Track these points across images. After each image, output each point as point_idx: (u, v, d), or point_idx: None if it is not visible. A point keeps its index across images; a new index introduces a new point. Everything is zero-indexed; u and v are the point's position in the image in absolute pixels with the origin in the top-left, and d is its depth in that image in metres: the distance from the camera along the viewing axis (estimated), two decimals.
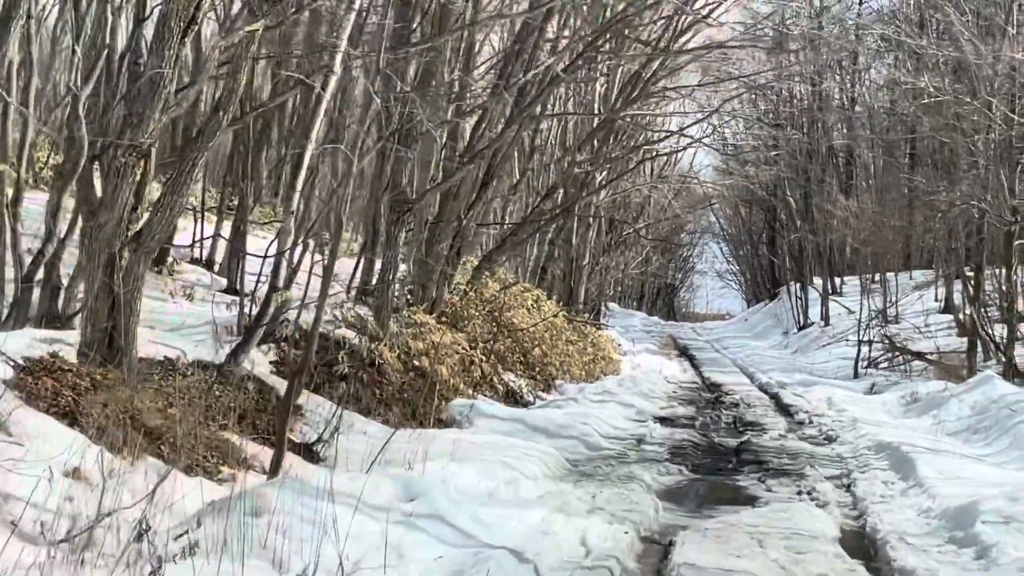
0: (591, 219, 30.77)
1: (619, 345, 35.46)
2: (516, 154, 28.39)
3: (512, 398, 17.77)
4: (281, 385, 11.99)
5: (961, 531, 9.04)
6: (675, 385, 26.40)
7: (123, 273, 9.78)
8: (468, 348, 15.70)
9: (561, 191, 27.66)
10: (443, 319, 17.84)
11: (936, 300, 38.74)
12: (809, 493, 11.99)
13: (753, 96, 48.78)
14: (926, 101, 25.61)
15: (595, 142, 25.65)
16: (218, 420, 10.00)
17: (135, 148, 9.61)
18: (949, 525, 9.40)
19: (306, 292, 11.13)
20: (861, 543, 9.57)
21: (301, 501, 6.31)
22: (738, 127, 52.68)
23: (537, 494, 10.06)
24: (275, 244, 12.81)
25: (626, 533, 8.61)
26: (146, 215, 10.12)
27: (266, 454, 9.92)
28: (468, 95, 17.18)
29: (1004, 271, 25.66)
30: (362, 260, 18.05)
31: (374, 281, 17.43)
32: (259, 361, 12.78)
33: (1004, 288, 25.75)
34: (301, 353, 9.73)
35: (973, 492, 10.35)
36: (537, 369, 21.08)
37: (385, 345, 12.99)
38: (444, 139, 16.39)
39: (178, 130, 22.17)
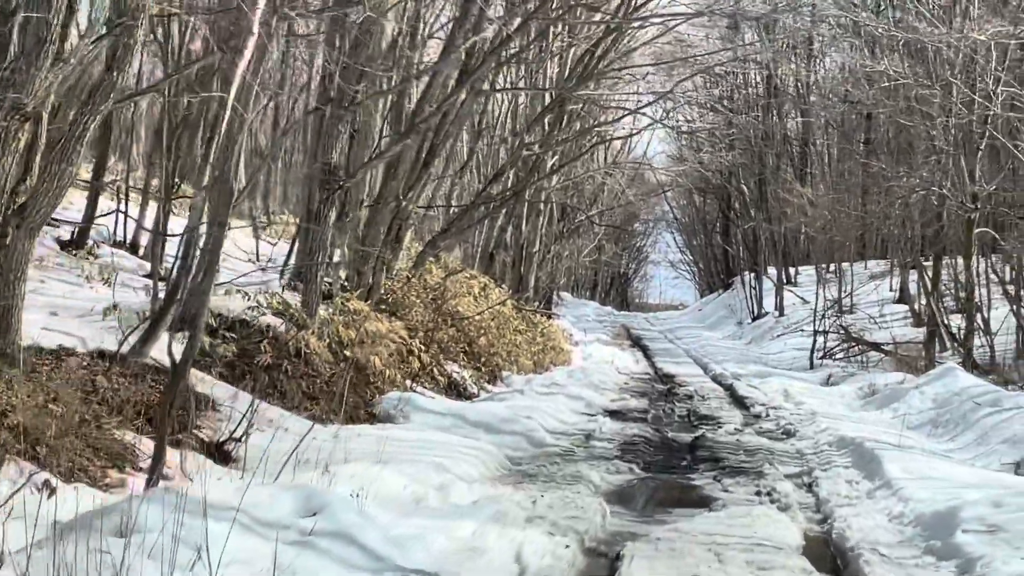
0: (542, 205, 29.77)
1: (571, 335, 34.59)
2: (465, 136, 27.38)
3: (455, 390, 16.75)
4: (197, 378, 10.92)
5: (939, 541, 8.13)
6: (627, 376, 25.52)
7: (6, 252, 8.66)
8: (407, 337, 14.66)
9: (511, 175, 26.68)
10: (382, 307, 16.80)
11: (891, 290, 38.34)
12: (769, 494, 11.08)
13: (707, 82, 48.20)
14: (885, 84, 24.82)
15: (546, 124, 24.64)
16: (114, 417, 8.91)
17: (17, 111, 8.48)
18: (926, 534, 8.50)
19: (200, 273, 10.00)
20: (829, 553, 8.65)
21: (179, 517, 5.27)
22: (692, 114, 52.09)
23: (472, 499, 9.05)
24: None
25: (567, 547, 7.61)
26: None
27: (168, 456, 8.85)
28: (412, 66, 16.07)
29: (963, 260, 25.04)
30: (297, 243, 16.93)
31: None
32: (174, 351, 11.68)
33: (963, 277, 25.10)
34: (184, 346, 8.62)
35: (950, 495, 9.47)
36: (483, 360, 20.08)
37: (313, 334, 11.94)
38: (386, 113, 15.35)
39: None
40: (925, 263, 29.48)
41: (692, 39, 43.18)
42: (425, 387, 15.62)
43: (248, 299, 12.55)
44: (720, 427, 16.58)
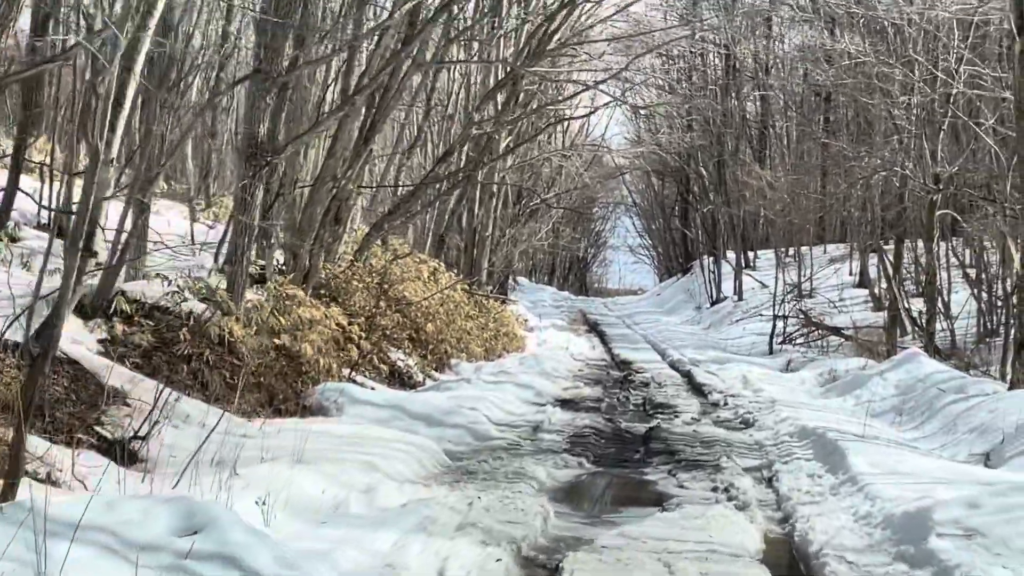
0: (495, 187, 28.89)
1: (525, 321, 33.87)
2: (418, 114, 26.46)
3: (398, 379, 15.92)
4: (108, 370, 10.00)
5: (911, 546, 7.39)
6: (582, 363, 24.78)
7: None
8: (345, 324, 13.78)
9: (463, 155, 25.81)
10: (322, 292, 15.92)
11: (851, 274, 38.03)
12: (727, 490, 10.34)
13: (665, 63, 47.54)
14: (846, 63, 24.15)
15: (498, 103, 23.73)
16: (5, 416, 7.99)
17: None
18: (896, 537, 7.75)
19: (115, 256, 9.09)
20: (791, 560, 7.90)
21: (29, 540, 4.40)
22: (651, 96, 51.43)
23: (401, 502, 8.21)
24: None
25: (499, 561, 6.78)
26: None
27: (66, 457, 7.97)
28: (355, 33, 15.07)
29: (925, 243, 24.48)
30: (231, 224, 15.96)
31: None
32: (84, 339, 10.78)
33: (925, 260, 24.55)
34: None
35: (920, 493, 8.74)
36: (430, 347, 19.25)
37: (237, 320, 11.03)
38: (323, 85, 14.44)
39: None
40: (886, 246, 29.02)
41: (651, 20, 42.61)
42: (367, 376, 14.78)
43: (169, 283, 11.63)
44: (677, 416, 15.85)
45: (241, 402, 10.76)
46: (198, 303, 12.03)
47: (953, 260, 27.92)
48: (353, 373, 13.78)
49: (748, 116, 47.93)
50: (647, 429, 14.23)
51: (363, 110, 15.02)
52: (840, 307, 32.08)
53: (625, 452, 12.65)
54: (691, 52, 44.77)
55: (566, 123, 44.00)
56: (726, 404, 17.87)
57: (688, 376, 22.62)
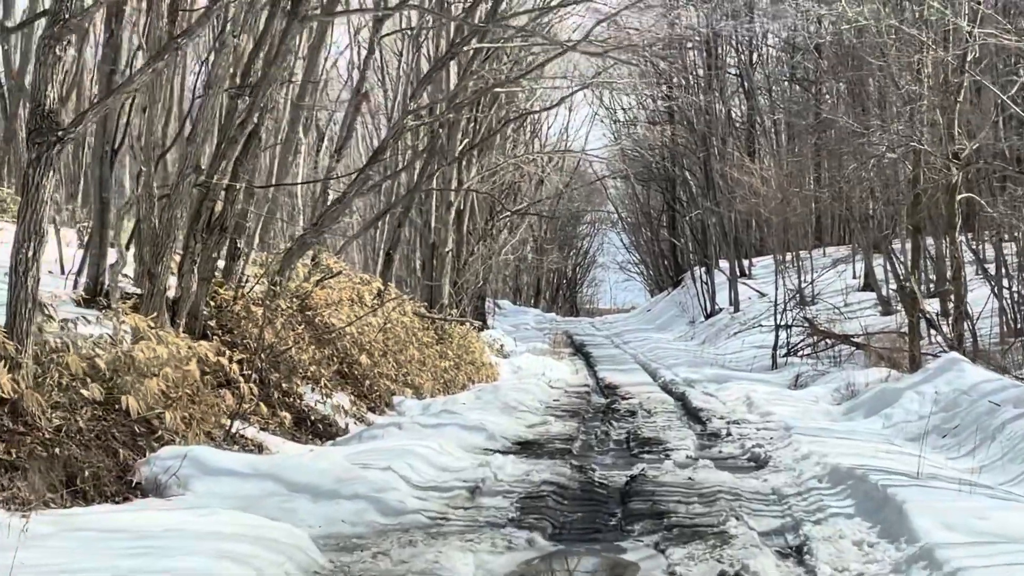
0: (453, 196, 25.46)
1: (501, 346, 30.56)
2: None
3: (310, 428, 12.46)
4: None
5: None
6: (560, 391, 21.38)
7: None
8: (225, 363, 10.35)
9: (416, 159, 22.47)
10: (210, 322, 12.48)
11: (855, 277, 35.00)
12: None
13: (644, 62, 44.54)
14: (846, 27, 20.82)
15: (445, 84, 20.26)
16: None
17: None
18: None
19: None
20: None
21: None
22: (629, 100, 48.55)
23: None
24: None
25: None
26: None
27: None
28: None
29: (946, 231, 21.18)
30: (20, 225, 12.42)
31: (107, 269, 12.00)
32: None
33: (948, 252, 21.22)
34: None
35: None
36: (367, 383, 15.84)
37: (17, 368, 7.58)
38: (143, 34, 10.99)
39: None
40: (893, 243, 25.79)
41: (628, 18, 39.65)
42: (262, 428, 11.34)
43: None
44: (667, 456, 12.41)
45: (23, 485, 7.32)
46: None
47: (967, 255, 24.59)
48: (234, 427, 10.33)
49: (733, 113, 44.89)
50: (628, 479, 10.76)
51: (236, 79, 11.64)
52: (846, 313, 28.94)
53: (597, 517, 9.23)
54: (672, 47, 41.57)
55: (540, 129, 40.84)
56: (729, 435, 14.50)
57: (682, 399, 19.30)
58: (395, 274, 25.39)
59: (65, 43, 8.01)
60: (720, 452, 13.21)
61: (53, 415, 7.84)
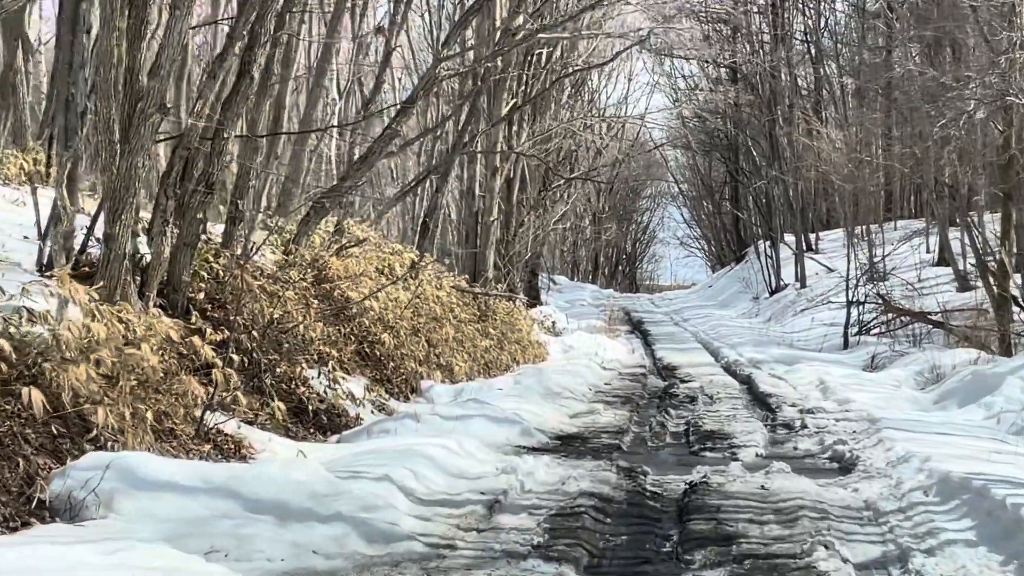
0: (502, 163, 23.55)
1: (553, 323, 28.63)
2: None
3: (313, 418, 10.67)
4: None
5: None
6: (612, 373, 19.47)
7: None
8: (197, 343, 8.55)
9: (458, 120, 20.66)
10: (197, 297, 10.73)
11: (928, 251, 32.76)
12: None
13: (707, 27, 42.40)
14: None
15: (488, 28, 18.16)
16: None
17: None
18: None
19: None
20: None
21: None
22: (691, 67, 46.53)
23: None
24: None
25: None
26: None
27: None
28: None
29: None
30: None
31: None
32: None
33: None
34: None
35: None
36: (391, 366, 14.04)
37: None
38: None
39: None
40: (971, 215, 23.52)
41: None
42: (248, 420, 9.56)
43: None
44: (734, 456, 10.49)
45: None
46: None
47: None
48: (211, 422, 8.54)
49: (799, 81, 42.51)
50: (687, 488, 8.82)
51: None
52: (920, 289, 26.75)
53: (647, 541, 7.33)
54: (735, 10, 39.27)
55: (598, 97, 38.88)
56: (804, 427, 12.53)
57: (748, 383, 17.35)
58: (435, 246, 23.61)
59: None
60: (796, 449, 11.27)
61: None
